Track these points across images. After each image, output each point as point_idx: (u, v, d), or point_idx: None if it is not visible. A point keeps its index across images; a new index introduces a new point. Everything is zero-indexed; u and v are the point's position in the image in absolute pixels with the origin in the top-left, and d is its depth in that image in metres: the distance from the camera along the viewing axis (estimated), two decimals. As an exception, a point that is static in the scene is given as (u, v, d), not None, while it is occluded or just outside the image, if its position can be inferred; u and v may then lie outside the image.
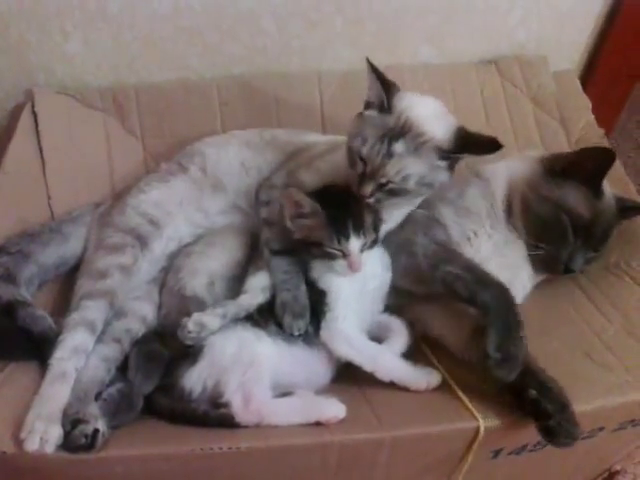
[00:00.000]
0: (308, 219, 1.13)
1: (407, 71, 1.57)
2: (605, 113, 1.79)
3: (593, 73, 1.75)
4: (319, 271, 1.17)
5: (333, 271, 1.15)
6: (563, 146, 1.54)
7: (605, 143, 1.51)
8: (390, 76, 1.56)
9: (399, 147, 1.08)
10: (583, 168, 1.22)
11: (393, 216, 1.22)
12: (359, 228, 1.12)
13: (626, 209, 1.29)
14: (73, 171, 1.45)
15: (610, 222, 1.25)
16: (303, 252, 1.17)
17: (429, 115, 1.12)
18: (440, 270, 1.13)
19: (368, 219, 1.14)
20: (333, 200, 1.13)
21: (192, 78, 1.58)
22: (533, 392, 1.00)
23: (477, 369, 1.08)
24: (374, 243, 1.16)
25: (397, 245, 1.22)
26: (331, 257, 1.13)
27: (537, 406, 1.00)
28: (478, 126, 1.54)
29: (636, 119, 2.84)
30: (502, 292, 1.09)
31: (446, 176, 1.13)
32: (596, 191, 1.23)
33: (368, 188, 1.09)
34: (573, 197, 1.23)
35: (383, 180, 1.09)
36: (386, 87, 1.13)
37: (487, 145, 1.10)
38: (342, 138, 1.34)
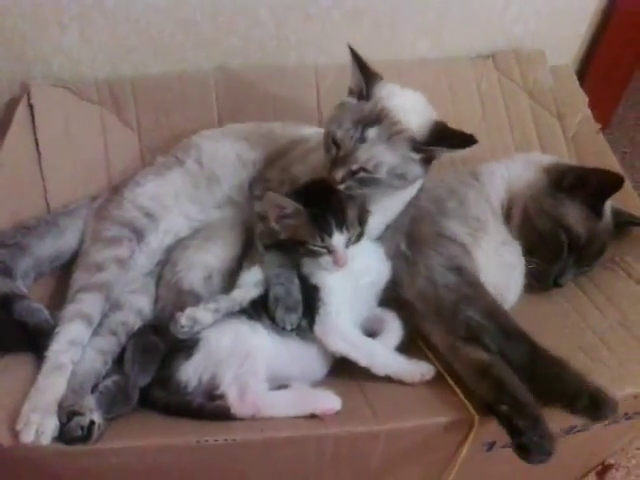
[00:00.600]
0: (292, 219, 1.14)
1: (404, 65, 1.57)
2: (602, 108, 1.79)
3: (590, 68, 1.75)
4: (310, 267, 1.18)
5: (321, 267, 1.15)
6: (559, 140, 1.55)
7: (601, 138, 1.51)
8: (387, 71, 1.56)
9: (372, 133, 1.09)
10: (589, 187, 1.22)
11: (383, 209, 1.21)
12: (342, 223, 1.12)
13: (622, 224, 1.30)
14: (69, 164, 1.45)
15: (605, 241, 1.25)
16: (291, 250, 1.18)
17: (407, 106, 1.12)
18: (462, 313, 1.11)
19: (351, 213, 1.14)
20: (315, 197, 1.13)
21: (189, 71, 1.57)
22: (504, 407, 0.99)
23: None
24: (360, 236, 1.16)
25: (411, 264, 1.20)
26: (317, 254, 1.13)
27: (509, 422, 0.98)
28: (475, 120, 1.57)
29: (634, 115, 2.84)
30: (526, 341, 1.07)
31: (420, 171, 1.13)
32: (597, 211, 1.23)
33: (339, 173, 1.09)
34: (574, 216, 1.22)
35: (354, 167, 1.09)
36: (366, 75, 1.14)
37: (462, 140, 1.09)
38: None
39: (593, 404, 0.99)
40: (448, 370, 1.10)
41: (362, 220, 1.16)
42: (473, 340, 1.08)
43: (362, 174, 1.10)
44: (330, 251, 1.12)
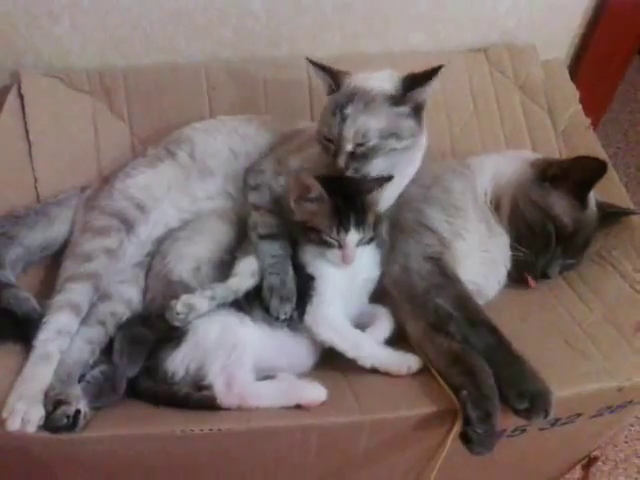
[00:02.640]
0: (313, 204, 1.14)
1: (396, 58, 1.58)
2: (594, 103, 1.80)
3: (582, 62, 1.75)
4: (310, 256, 1.18)
5: (325, 259, 1.16)
6: (549, 134, 1.55)
7: (591, 133, 1.52)
8: (379, 63, 1.56)
9: (349, 110, 1.14)
10: (574, 176, 1.23)
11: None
12: (360, 223, 1.13)
13: (608, 215, 1.30)
14: (60, 154, 1.44)
15: (590, 233, 1.27)
16: (299, 234, 1.18)
17: (376, 77, 1.19)
18: (432, 300, 1.13)
19: (370, 217, 1.15)
20: (341, 191, 1.14)
21: (180, 62, 1.57)
22: (464, 393, 1.01)
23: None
24: (371, 240, 1.17)
25: (390, 250, 1.22)
26: (327, 245, 1.14)
27: (464, 409, 1.00)
28: (466, 113, 1.57)
29: (628, 111, 2.85)
30: (492, 333, 1.09)
31: (412, 124, 1.18)
32: (582, 201, 1.24)
33: (341, 160, 1.14)
34: (560, 206, 1.24)
35: (349, 146, 1.14)
36: (332, 73, 1.21)
37: (428, 73, 1.15)
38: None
39: (531, 407, 1.00)
40: (423, 358, 1.11)
41: (376, 225, 1.17)
42: (440, 328, 1.10)
43: (358, 149, 1.15)
44: (341, 246, 1.13)
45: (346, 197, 1.13)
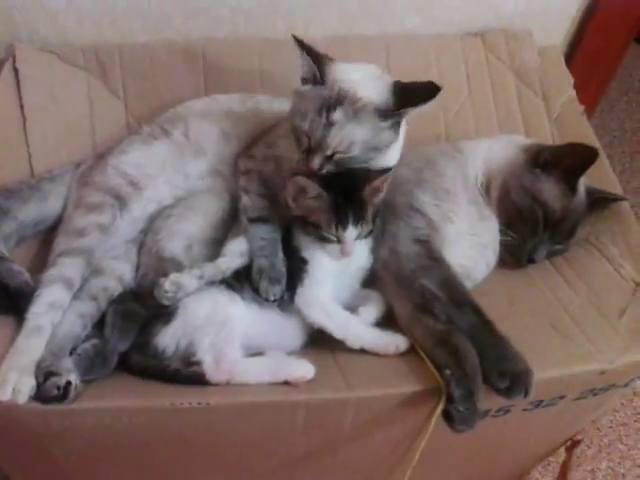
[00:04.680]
0: (311, 201, 1.14)
1: (392, 40, 1.58)
2: (590, 90, 1.80)
3: (579, 50, 1.75)
4: (304, 241, 1.19)
5: (322, 249, 1.16)
6: (543, 120, 1.56)
7: (584, 120, 1.52)
8: (375, 45, 1.56)
9: (338, 115, 1.09)
10: (565, 162, 1.24)
11: None
12: (359, 219, 1.13)
13: (596, 201, 1.31)
14: (54, 129, 1.44)
15: (578, 219, 1.27)
16: (295, 222, 1.19)
17: (362, 79, 1.13)
18: (419, 282, 1.14)
19: (370, 210, 1.15)
20: (339, 186, 1.13)
21: (176, 40, 1.56)
22: (448, 372, 1.02)
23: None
24: (369, 233, 1.18)
25: (379, 233, 1.23)
26: (325, 240, 1.15)
27: (447, 387, 1.02)
28: (460, 97, 1.58)
29: (624, 99, 2.85)
30: (476, 315, 1.10)
31: (391, 136, 1.14)
32: (572, 187, 1.25)
33: (316, 161, 1.11)
34: (550, 191, 1.25)
35: (328, 152, 1.10)
36: (317, 60, 1.13)
37: (425, 92, 1.10)
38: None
39: (511, 385, 1.02)
40: (410, 338, 1.12)
41: (374, 218, 1.18)
42: (426, 309, 1.12)
43: (337, 156, 1.11)
44: (339, 241, 1.14)
45: (345, 192, 1.13)
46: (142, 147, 1.34)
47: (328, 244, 1.15)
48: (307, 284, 1.16)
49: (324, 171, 1.12)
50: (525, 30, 1.62)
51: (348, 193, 1.13)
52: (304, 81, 1.15)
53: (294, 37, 1.13)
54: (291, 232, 1.22)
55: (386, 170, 1.15)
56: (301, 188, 1.13)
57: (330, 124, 1.09)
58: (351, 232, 1.13)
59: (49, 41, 1.52)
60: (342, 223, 1.12)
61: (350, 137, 1.10)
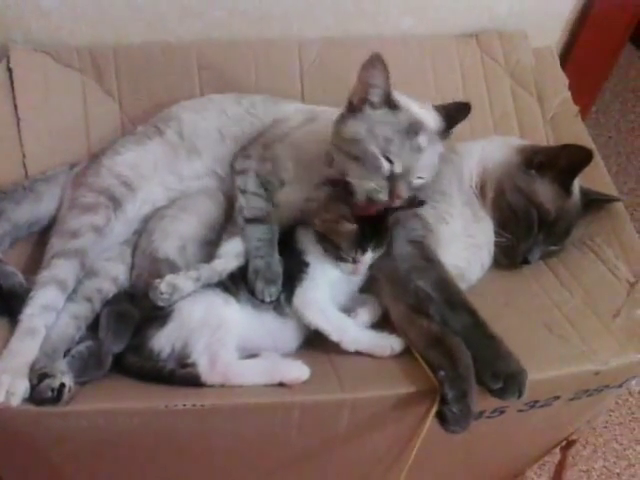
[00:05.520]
0: (337, 223, 1.15)
1: (387, 41, 1.57)
2: (584, 91, 1.81)
3: (573, 50, 1.75)
4: (311, 246, 1.19)
5: (331, 261, 1.17)
6: (538, 121, 1.56)
7: (579, 121, 1.52)
8: (370, 46, 1.55)
9: (423, 141, 1.08)
10: (560, 164, 1.24)
11: None
12: (380, 245, 1.15)
13: (590, 202, 1.32)
14: (48, 130, 1.44)
15: (573, 220, 1.28)
16: (307, 234, 1.20)
17: (414, 103, 1.14)
18: (413, 283, 1.14)
19: (388, 236, 1.17)
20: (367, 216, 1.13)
21: (171, 41, 1.56)
22: (442, 373, 1.03)
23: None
24: (381, 253, 1.18)
25: None
26: (340, 260, 1.16)
27: (441, 388, 1.02)
28: (456, 99, 1.55)
29: (620, 100, 2.86)
30: (470, 316, 1.11)
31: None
32: (567, 188, 1.25)
33: (403, 188, 1.07)
34: (544, 193, 1.25)
35: (414, 177, 1.09)
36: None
37: (463, 112, 1.17)
38: (321, 108, 1.36)
39: (505, 386, 1.03)
40: (405, 339, 1.12)
41: (389, 242, 1.18)
42: (420, 310, 1.12)
43: (417, 182, 1.10)
44: (355, 262, 1.15)
45: (372, 220, 1.13)
46: (136, 148, 1.34)
47: (342, 263, 1.16)
48: (306, 286, 1.16)
49: (404, 200, 1.09)
50: (520, 31, 1.62)
51: (374, 221, 1.13)
52: (371, 103, 1.09)
53: (378, 56, 1.05)
54: (294, 235, 1.22)
55: (420, 202, 1.15)
56: (338, 217, 1.14)
57: (419, 149, 1.08)
58: (369, 256, 1.15)
59: (43, 41, 1.51)
60: (362, 249, 1.13)
61: (431, 161, 1.11)
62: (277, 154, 1.24)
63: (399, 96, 1.12)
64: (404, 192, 1.08)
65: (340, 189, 1.12)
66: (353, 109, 1.10)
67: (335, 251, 1.15)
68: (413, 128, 1.08)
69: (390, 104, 1.09)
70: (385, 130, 1.07)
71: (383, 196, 1.07)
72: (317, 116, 1.30)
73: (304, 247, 1.20)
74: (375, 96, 1.09)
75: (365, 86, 1.08)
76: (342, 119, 1.12)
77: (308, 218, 1.20)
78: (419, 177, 1.10)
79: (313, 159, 1.21)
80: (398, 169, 1.07)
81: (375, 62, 1.05)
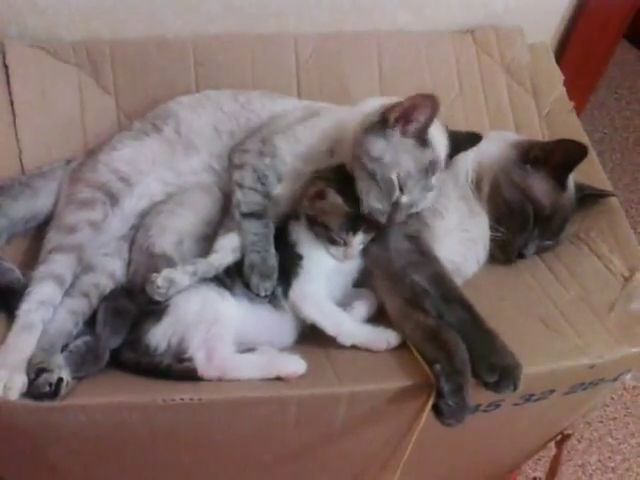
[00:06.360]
0: (327, 204, 1.15)
1: (383, 37, 1.58)
2: (580, 87, 1.81)
3: (568, 46, 1.76)
4: (304, 237, 1.20)
5: (323, 248, 1.18)
6: (533, 117, 1.56)
7: (573, 117, 1.53)
8: (366, 42, 1.57)
9: (435, 180, 1.16)
10: (555, 159, 1.25)
11: None
12: (370, 227, 1.16)
13: (585, 197, 1.32)
14: (45, 126, 1.43)
15: (568, 214, 1.28)
16: (297, 223, 1.20)
17: (438, 135, 1.18)
18: (409, 277, 1.15)
19: None
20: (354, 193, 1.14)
21: (168, 36, 1.56)
22: (438, 367, 1.03)
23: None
24: (372, 239, 1.19)
25: None
26: (332, 242, 1.16)
27: (437, 382, 1.02)
28: (451, 94, 1.58)
29: (615, 97, 2.87)
30: (466, 310, 1.12)
31: None
32: (562, 183, 1.26)
33: (402, 216, 1.15)
34: (540, 188, 1.25)
35: (414, 209, 1.16)
36: None
37: (469, 142, 1.25)
38: (319, 104, 1.37)
39: (500, 380, 1.03)
40: (401, 333, 1.13)
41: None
42: (416, 304, 1.12)
43: (413, 209, 1.16)
44: (346, 244, 1.16)
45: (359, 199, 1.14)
46: (133, 143, 1.34)
47: (333, 245, 1.17)
48: (302, 279, 1.17)
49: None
50: (516, 27, 1.62)
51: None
52: (402, 131, 1.12)
53: (436, 99, 1.07)
54: (287, 227, 1.22)
55: None
56: (319, 192, 1.15)
57: (429, 188, 1.15)
58: (359, 237, 1.15)
59: (39, 37, 1.50)
60: (354, 229, 1.15)
61: (433, 197, 1.18)
62: (276, 148, 1.24)
63: (432, 131, 1.14)
64: (401, 219, 1.15)
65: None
66: (385, 124, 1.12)
67: (326, 233, 1.16)
68: (431, 167, 1.14)
69: (421, 140, 1.13)
70: (409, 164, 1.11)
71: (383, 219, 1.13)
72: (318, 111, 1.30)
73: (296, 238, 1.20)
74: (413, 127, 1.11)
75: (409, 115, 1.10)
76: (372, 130, 1.13)
77: (298, 205, 1.21)
78: (417, 208, 1.16)
79: (313, 154, 1.22)
80: (405, 200, 1.13)
81: (430, 102, 1.08)
